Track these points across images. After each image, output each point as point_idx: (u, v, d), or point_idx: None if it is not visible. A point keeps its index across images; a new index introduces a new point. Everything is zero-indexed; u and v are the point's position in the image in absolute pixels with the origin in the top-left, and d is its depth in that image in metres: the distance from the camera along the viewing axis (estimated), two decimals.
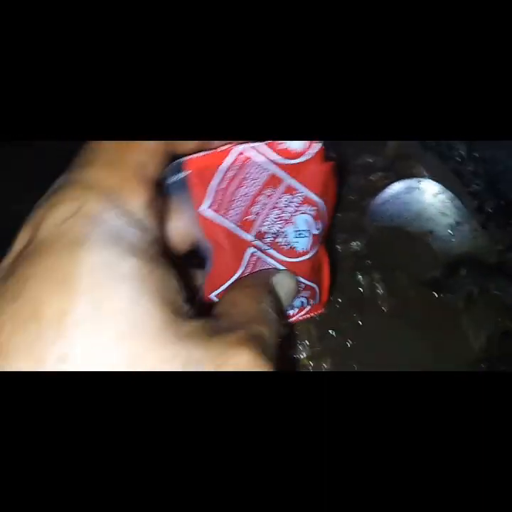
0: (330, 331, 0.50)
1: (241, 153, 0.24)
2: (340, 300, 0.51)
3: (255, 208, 0.25)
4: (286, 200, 0.26)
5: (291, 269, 0.27)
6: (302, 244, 0.27)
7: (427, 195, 0.55)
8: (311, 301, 0.32)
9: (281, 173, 0.25)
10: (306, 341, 0.49)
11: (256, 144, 0.24)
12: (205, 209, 0.25)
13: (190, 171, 0.24)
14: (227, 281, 0.27)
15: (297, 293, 0.28)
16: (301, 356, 0.48)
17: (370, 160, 0.61)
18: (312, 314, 0.34)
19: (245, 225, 0.26)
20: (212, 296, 0.28)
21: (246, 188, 0.25)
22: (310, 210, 0.26)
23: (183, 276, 0.22)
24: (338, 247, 0.54)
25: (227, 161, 0.24)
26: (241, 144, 0.24)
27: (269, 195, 0.25)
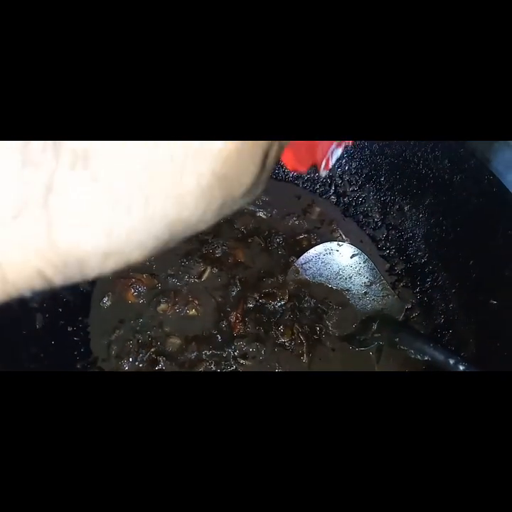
0: None
1: None
2: (263, 352, 0.54)
3: None
4: None
5: None
6: None
7: (345, 257, 0.61)
8: None
9: None
10: None
11: None
12: None
13: None
14: None
15: None
16: None
17: (297, 222, 0.67)
18: None
19: None
20: None
21: None
22: None
23: None
24: (262, 300, 0.58)
25: None
26: None
27: None
